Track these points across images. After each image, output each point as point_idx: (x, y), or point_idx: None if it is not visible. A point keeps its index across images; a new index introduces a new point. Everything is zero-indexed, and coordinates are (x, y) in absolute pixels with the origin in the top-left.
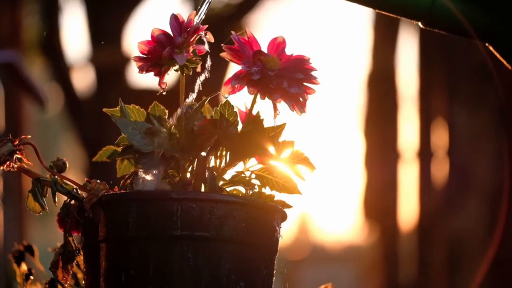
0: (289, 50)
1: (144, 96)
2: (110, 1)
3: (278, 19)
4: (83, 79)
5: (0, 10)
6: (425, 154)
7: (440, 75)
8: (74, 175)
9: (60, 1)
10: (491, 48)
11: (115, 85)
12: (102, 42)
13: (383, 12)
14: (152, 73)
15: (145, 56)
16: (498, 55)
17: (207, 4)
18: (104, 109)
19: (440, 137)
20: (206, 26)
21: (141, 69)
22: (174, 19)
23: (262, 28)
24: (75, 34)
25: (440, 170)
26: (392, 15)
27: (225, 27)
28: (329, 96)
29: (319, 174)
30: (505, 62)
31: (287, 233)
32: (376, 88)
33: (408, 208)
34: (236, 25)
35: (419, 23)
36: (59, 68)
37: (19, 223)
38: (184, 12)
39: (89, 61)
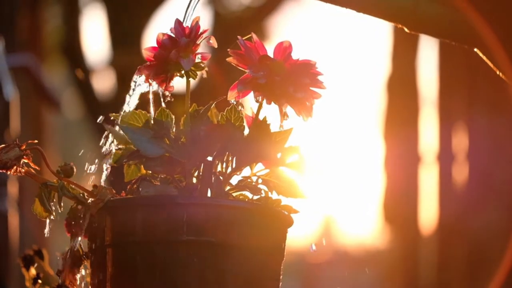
0: (297, 55)
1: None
2: (131, 4)
3: (299, 22)
4: (104, 82)
5: (20, 13)
6: (445, 157)
7: (460, 78)
8: (96, 179)
9: (81, 4)
10: (479, 52)
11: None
12: (122, 45)
13: (368, 15)
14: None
15: (151, 63)
16: (485, 59)
17: (194, 6)
18: (111, 114)
19: (461, 141)
20: (209, 29)
21: (148, 78)
22: (178, 23)
23: (283, 30)
24: (95, 37)
25: (461, 173)
26: (376, 18)
27: (246, 30)
28: (349, 99)
29: (340, 177)
30: (492, 66)
31: (310, 235)
32: (396, 91)
33: (428, 212)
34: (257, 28)
35: (404, 28)
36: (80, 71)
37: (38, 227)
38: (204, 15)
39: (109, 64)
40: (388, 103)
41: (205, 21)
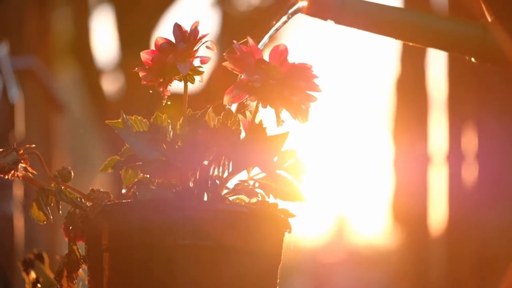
0: (297, 58)
1: (173, 100)
2: (139, 6)
3: (308, 22)
4: (112, 84)
5: (27, 15)
6: (454, 157)
7: (470, 78)
8: (103, 182)
9: (89, 5)
10: None
11: (144, 89)
12: (131, 47)
13: (436, 49)
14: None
15: (148, 66)
16: None
17: (269, 35)
18: (107, 121)
19: (470, 141)
20: (208, 33)
21: (145, 79)
22: (178, 28)
23: (290, 32)
24: (103, 39)
25: (470, 174)
26: (444, 51)
27: (254, 31)
28: (359, 100)
29: (350, 178)
30: None
31: (322, 236)
32: (405, 92)
33: (437, 212)
34: (266, 29)
35: (472, 59)
36: (89, 73)
37: (43, 230)
38: (212, 16)
39: (118, 66)
40: (397, 103)
41: (213, 22)
